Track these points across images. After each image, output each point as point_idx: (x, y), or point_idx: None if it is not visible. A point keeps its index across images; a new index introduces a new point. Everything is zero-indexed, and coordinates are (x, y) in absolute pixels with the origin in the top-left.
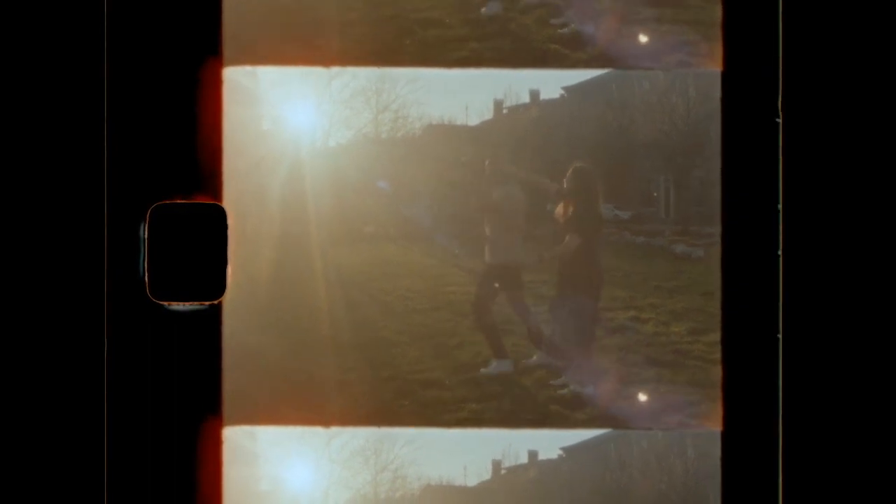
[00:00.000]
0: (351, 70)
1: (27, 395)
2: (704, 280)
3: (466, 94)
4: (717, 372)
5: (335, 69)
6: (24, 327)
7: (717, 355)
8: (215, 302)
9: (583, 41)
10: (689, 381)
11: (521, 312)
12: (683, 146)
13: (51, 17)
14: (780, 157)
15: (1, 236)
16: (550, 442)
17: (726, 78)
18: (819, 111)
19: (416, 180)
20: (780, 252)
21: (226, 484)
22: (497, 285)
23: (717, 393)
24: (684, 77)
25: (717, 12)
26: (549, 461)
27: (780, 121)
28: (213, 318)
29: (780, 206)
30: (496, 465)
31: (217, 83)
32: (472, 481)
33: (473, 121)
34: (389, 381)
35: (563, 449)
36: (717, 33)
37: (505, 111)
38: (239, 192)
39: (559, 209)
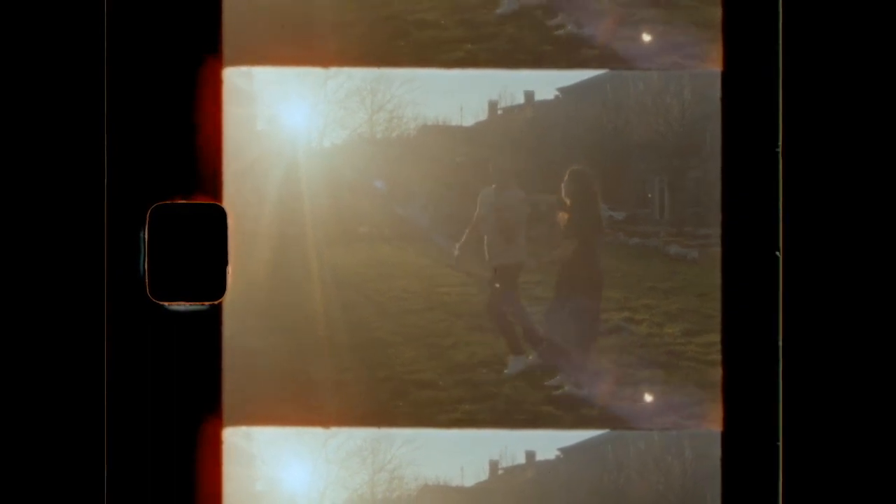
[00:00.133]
0: (346, 70)
1: (27, 395)
2: (699, 281)
3: (461, 95)
4: (711, 373)
5: (331, 70)
6: (24, 327)
7: (712, 356)
8: (215, 302)
9: (579, 43)
10: (682, 383)
11: (517, 313)
12: (678, 147)
13: (51, 17)
14: (780, 158)
15: (1, 236)
16: (547, 442)
17: (726, 78)
18: (819, 111)
19: (411, 181)
20: (780, 252)
21: (223, 484)
22: (497, 285)
23: (712, 394)
24: (679, 78)
25: (714, 13)
26: (547, 462)
27: (779, 150)
28: (213, 318)
29: (780, 206)
30: (493, 465)
31: (217, 83)
32: (469, 482)
33: (468, 121)
34: (385, 381)
35: (561, 449)
36: (715, 34)
37: (500, 112)
38: (234, 193)
39: (560, 213)
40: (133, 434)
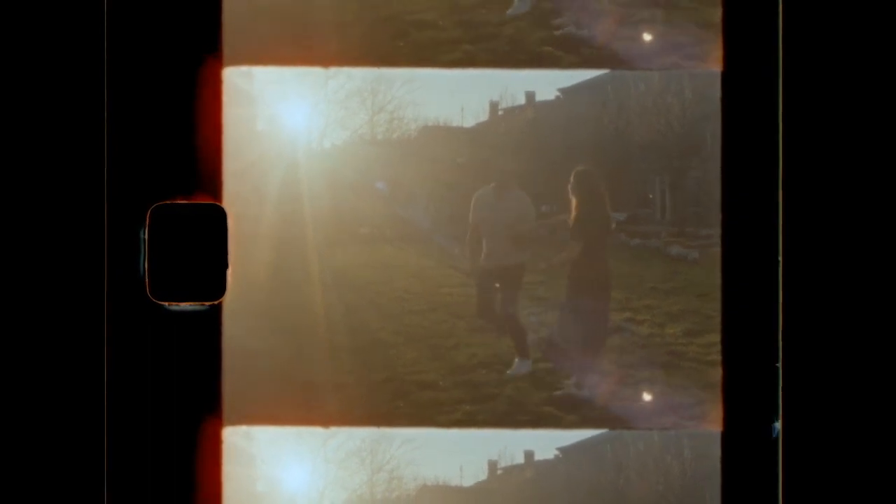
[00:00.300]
0: (346, 71)
1: (27, 395)
2: (700, 282)
3: (462, 96)
4: (712, 373)
5: (331, 70)
6: (24, 327)
7: (712, 357)
8: (215, 302)
9: (578, 43)
10: (683, 383)
11: (512, 315)
12: (679, 148)
13: (51, 17)
14: (780, 157)
15: (1, 236)
16: (546, 442)
17: (726, 78)
18: (819, 111)
19: (412, 182)
20: (780, 252)
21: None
22: (497, 285)
23: (713, 394)
24: (680, 78)
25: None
26: (546, 462)
27: (779, 248)
28: (213, 318)
29: (780, 206)
30: (492, 465)
31: (217, 83)
32: (468, 482)
33: (469, 122)
34: (386, 382)
35: (560, 449)
36: (714, 34)
37: (500, 112)
38: (234, 193)
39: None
40: (133, 434)
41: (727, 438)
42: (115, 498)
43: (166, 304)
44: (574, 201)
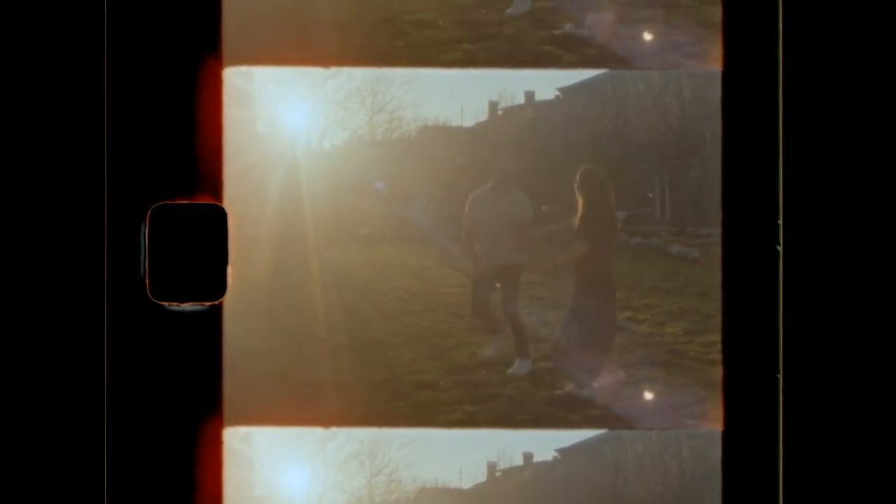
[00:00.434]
0: (346, 71)
1: (27, 395)
2: (700, 281)
3: (461, 96)
4: (712, 372)
5: (330, 71)
6: (24, 327)
7: (712, 356)
8: (216, 302)
9: (578, 42)
10: (683, 382)
11: (512, 315)
12: (679, 147)
13: (51, 17)
14: (780, 157)
15: (1, 236)
16: (546, 443)
17: (726, 78)
18: (819, 111)
19: (412, 182)
20: (780, 252)
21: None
22: (498, 285)
23: (713, 393)
24: (679, 77)
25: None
26: (545, 463)
27: (780, 248)
28: (213, 318)
29: (780, 206)
30: (491, 467)
31: (217, 83)
32: (467, 483)
33: (469, 122)
34: (385, 382)
35: (559, 450)
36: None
37: (500, 112)
38: (234, 194)
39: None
40: (133, 434)
41: (727, 438)
42: (115, 498)
43: (166, 304)
44: (580, 200)
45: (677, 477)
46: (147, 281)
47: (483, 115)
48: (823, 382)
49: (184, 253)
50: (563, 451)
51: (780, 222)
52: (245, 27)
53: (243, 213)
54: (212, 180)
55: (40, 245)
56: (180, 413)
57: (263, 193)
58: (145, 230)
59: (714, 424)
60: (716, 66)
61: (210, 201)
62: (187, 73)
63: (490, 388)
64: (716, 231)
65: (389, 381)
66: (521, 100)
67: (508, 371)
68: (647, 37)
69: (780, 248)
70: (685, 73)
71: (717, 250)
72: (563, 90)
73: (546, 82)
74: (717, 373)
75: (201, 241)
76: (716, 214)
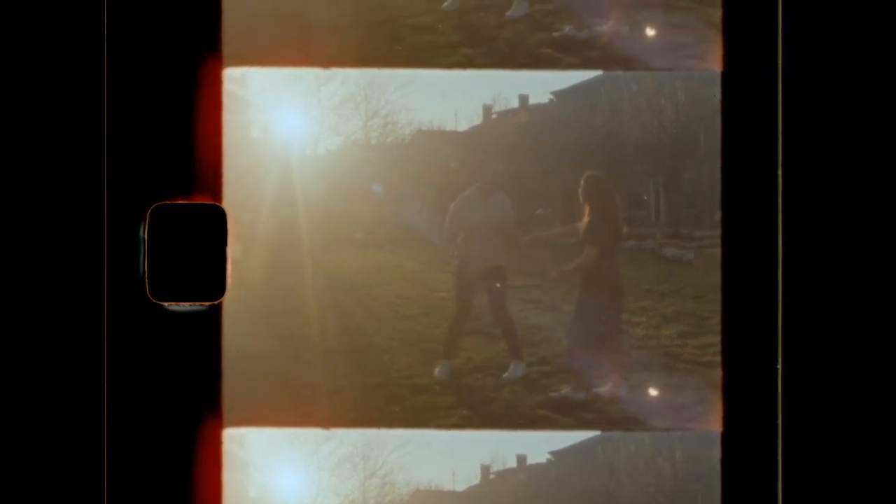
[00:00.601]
0: (340, 77)
1: (27, 395)
2: (695, 283)
3: (455, 100)
4: (707, 374)
5: (323, 77)
6: (24, 327)
7: (707, 358)
8: (215, 302)
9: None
10: (679, 384)
11: (502, 317)
12: (673, 149)
13: (51, 16)
14: (780, 157)
15: (1, 236)
16: (539, 446)
17: (726, 78)
18: (819, 111)
19: (406, 186)
20: (779, 252)
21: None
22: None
23: (709, 395)
24: (673, 79)
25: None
26: (538, 465)
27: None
28: (213, 318)
29: (779, 206)
30: (485, 469)
31: (217, 83)
32: (460, 486)
33: (463, 126)
34: (380, 387)
35: (552, 453)
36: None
37: (494, 116)
38: (230, 198)
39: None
40: (133, 434)
41: (727, 438)
42: (114, 498)
43: (166, 304)
44: (587, 207)
45: (671, 479)
46: (147, 281)
47: (477, 119)
48: (823, 383)
49: (183, 253)
50: (557, 454)
51: (780, 222)
52: (245, 28)
53: (238, 218)
54: (211, 181)
55: (40, 245)
56: (179, 413)
57: (258, 198)
58: (145, 230)
59: (712, 426)
60: (715, 67)
61: (210, 201)
62: (187, 73)
63: (485, 392)
64: (711, 233)
65: (384, 385)
66: (515, 103)
67: (504, 375)
68: (646, 37)
69: (779, 247)
70: (679, 74)
71: (711, 252)
72: (557, 93)
73: (540, 85)
74: (713, 375)
75: (201, 241)
76: (710, 217)
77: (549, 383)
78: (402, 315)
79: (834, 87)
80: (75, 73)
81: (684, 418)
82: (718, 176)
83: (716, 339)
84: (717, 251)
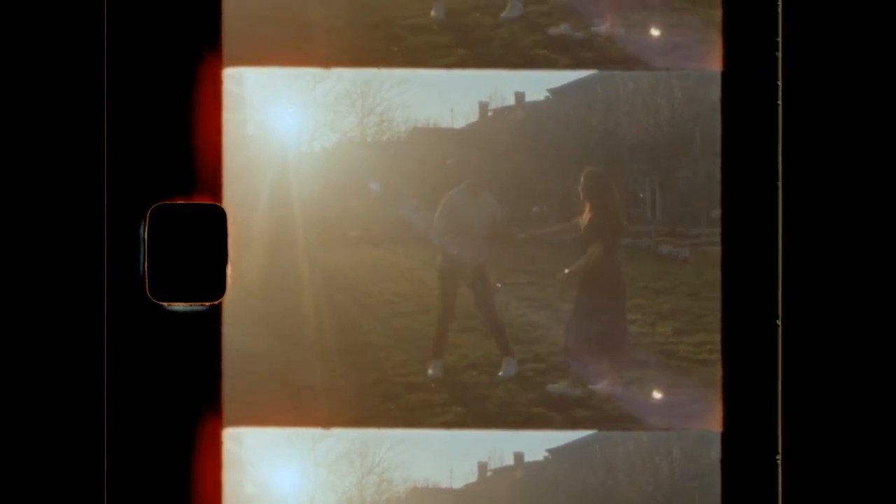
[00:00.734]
0: (336, 75)
1: (27, 395)
2: (690, 281)
3: (451, 97)
4: (702, 372)
5: (320, 75)
6: (24, 327)
7: (702, 356)
8: (215, 303)
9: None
10: (673, 382)
11: (490, 315)
12: (669, 148)
13: (51, 16)
14: (780, 157)
15: (1, 236)
16: (536, 444)
17: (726, 78)
18: (819, 111)
19: (402, 183)
20: (779, 252)
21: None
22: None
23: (704, 393)
24: (668, 78)
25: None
26: (535, 463)
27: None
28: (213, 318)
29: (779, 206)
30: (482, 467)
31: (217, 83)
32: (458, 483)
33: (459, 123)
34: (376, 385)
35: (549, 451)
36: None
37: (490, 114)
38: (226, 196)
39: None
40: (133, 434)
41: (727, 438)
42: (114, 498)
43: (166, 304)
44: (587, 204)
45: (668, 477)
46: (147, 281)
47: (473, 117)
48: (823, 383)
49: (183, 253)
50: (554, 451)
51: (780, 222)
52: (245, 28)
53: (234, 216)
54: (211, 181)
55: (40, 245)
56: (179, 413)
57: (254, 196)
58: (145, 230)
59: (707, 424)
60: (714, 67)
61: (209, 201)
62: (187, 73)
63: (480, 389)
64: (706, 231)
65: (379, 383)
66: (511, 101)
67: (499, 374)
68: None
69: (779, 247)
70: (675, 73)
71: (707, 250)
72: (553, 91)
73: (536, 83)
74: (708, 372)
75: (201, 241)
76: (706, 214)
77: (545, 381)
78: (399, 312)
79: (834, 86)
80: (75, 73)
81: (679, 416)
82: (714, 174)
83: (710, 336)
84: (712, 249)
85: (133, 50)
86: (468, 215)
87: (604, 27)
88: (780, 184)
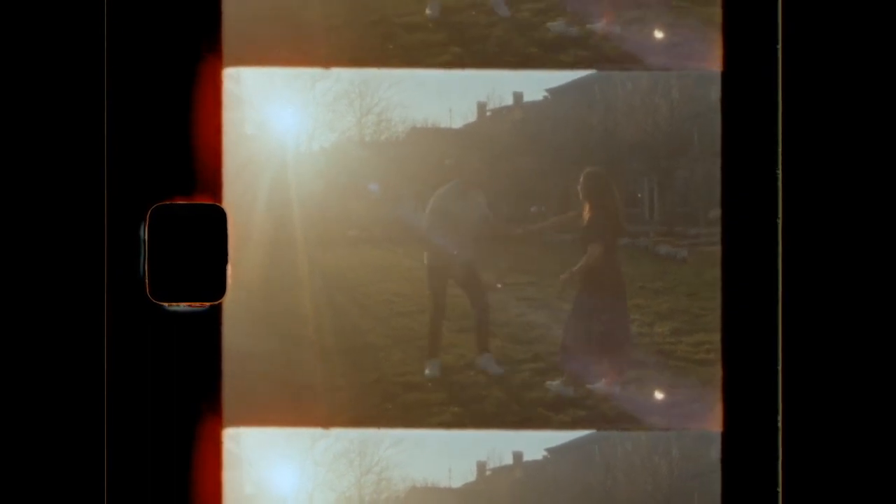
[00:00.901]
0: (334, 74)
1: (27, 395)
2: (689, 281)
3: (450, 97)
4: (701, 371)
5: (319, 74)
6: (24, 327)
7: (700, 355)
8: (215, 303)
9: (571, 44)
10: (672, 382)
11: (482, 314)
12: (667, 147)
13: (51, 16)
14: (780, 157)
15: (1, 236)
16: (535, 443)
17: (726, 78)
18: (819, 111)
19: (401, 183)
20: (779, 252)
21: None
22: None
23: (703, 392)
24: (667, 78)
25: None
26: (534, 462)
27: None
28: (213, 318)
29: (779, 206)
30: (481, 466)
31: (217, 83)
32: (456, 483)
33: (457, 123)
34: (374, 384)
35: (548, 450)
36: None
37: (488, 113)
38: (227, 196)
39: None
40: (133, 434)
41: (727, 438)
42: (114, 498)
43: (166, 304)
44: (587, 205)
45: (667, 477)
46: (147, 281)
47: (472, 117)
48: (823, 382)
49: (183, 253)
50: (553, 451)
51: (780, 222)
52: (245, 28)
53: (234, 216)
54: (211, 181)
55: (40, 245)
56: (179, 413)
57: (252, 196)
58: (145, 230)
59: (706, 424)
60: (714, 67)
61: (209, 201)
62: (187, 73)
63: (477, 389)
64: (705, 231)
65: (378, 382)
66: (509, 101)
67: (479, 366)
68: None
69: (779, 247)
70: (674, 73)
71: (705, 250)
72: (551, 91)
73: (534, 83)
74: (707, 372)
75: (201, 242)
76: (704, 214)
77: (543, 380)
78: (398, 312)
79: (834, 86)
80: (75, 73)
81: (678, 415)
82: (713, 174)
83: (709, 336)
84: (710, 249)
85: (133, 50)
86: (457, 213)
87: (600, 25)
88: (780, 184)
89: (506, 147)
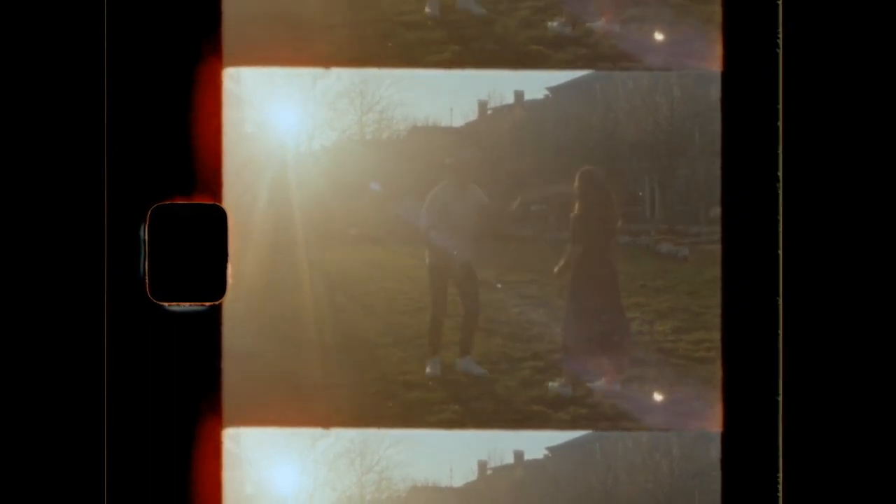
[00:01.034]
0: (335, 73)
1: (27, 395)
2: (689, 279)
3: (451, 96)
4: (701, 370)
5: (319, 72)
6: (24, 327)
7: (700, 354)
8: (215, 303)
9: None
10: (672, 380)
11: (470, 313)
12: (668, 146)
13: (51, 16)
14: (780, 158)
15: (1, 236)
16: (536, 442)
17: (726, 78)
18: (819, 111)
19: (402, 182)
20: (780, 251)
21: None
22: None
23: (703, 391)
24: (667, 77)
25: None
26: (535, 461)
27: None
28: (213, 318)
29: (779, 206)
30: (482, 465)
31: (217, 83)
32: (457, 482)
33: (458, 122)
34: (374, 382)
35: (549, 449)
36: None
37: (489, 112)
38: (227, 195)
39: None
40: (133, 434)
41: (727, 438)
42: (114, 498)
43: (166, 304)
44: (577, 202)
45: (667, 475)
46: (147, 281)
47: (473, 115)
48: (823, 382)
49: (183, 253)
50: (554, 450)
51: (780, 222)
52: (245, 28)
53: (234, 216)
54: (211, 180)
55: (40, 245)
56: (179, 413)
57: (252, 195)
58: (145, 230)
59: (705, 423)
60: (714, 67)
61: (209, 201)
62: (187, 73)
63: (478, 387)
64: (705, 230)
65: (378, 381)
66: (510, 99)
67: (456, 367)
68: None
69: (779, 247)
70: (674, 72)
71: (706, 249)
72: (552, 90)
73: (535, 82)
74: (706, 370)
75: (201, 241)
76: (705, 213)
77: (543, 379)
78: (398, 311)
79: (834, 86)
80: (76, 73)
81: (678, 413)
82: (713, 173)
83: (709, 334)
84: (711, 247)
85: (133, 50)
86: (455, 210)
87: (599, 24)
88: (780, 183)
89: (506, 146)
